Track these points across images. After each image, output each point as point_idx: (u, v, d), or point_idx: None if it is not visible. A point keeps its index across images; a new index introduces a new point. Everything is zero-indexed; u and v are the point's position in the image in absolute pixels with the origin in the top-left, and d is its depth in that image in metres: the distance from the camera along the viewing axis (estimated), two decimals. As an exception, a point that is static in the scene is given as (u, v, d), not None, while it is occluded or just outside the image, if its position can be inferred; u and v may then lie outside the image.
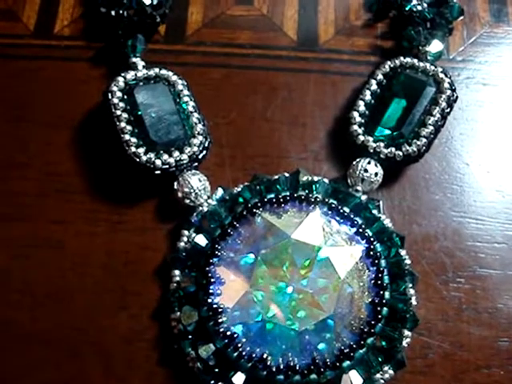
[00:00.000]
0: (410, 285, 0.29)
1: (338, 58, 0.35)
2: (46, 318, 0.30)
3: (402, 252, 0.30)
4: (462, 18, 0.35)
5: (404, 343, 0.29)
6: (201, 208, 0.30)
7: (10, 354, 0.29)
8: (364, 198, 0.31)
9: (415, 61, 0.32)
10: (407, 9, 0.34)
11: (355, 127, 0.31)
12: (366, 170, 0.30)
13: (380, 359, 0.28)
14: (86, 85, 0.34)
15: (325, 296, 0.28)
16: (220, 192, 0.31)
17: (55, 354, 0.29)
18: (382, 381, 0.28)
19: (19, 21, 0.35)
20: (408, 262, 0.30)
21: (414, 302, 0.29)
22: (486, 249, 0.31)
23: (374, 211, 0.30)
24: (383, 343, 0.28)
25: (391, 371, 0.28)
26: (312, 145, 0.33)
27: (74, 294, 0.30)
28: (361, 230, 0.29)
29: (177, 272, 0.29)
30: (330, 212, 0.29)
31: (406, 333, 0.29)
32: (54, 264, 0.30)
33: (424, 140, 0.30)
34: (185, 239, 0.30)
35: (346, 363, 0.27)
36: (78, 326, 0.30)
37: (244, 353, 0.27)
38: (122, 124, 0.30)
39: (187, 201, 0.30)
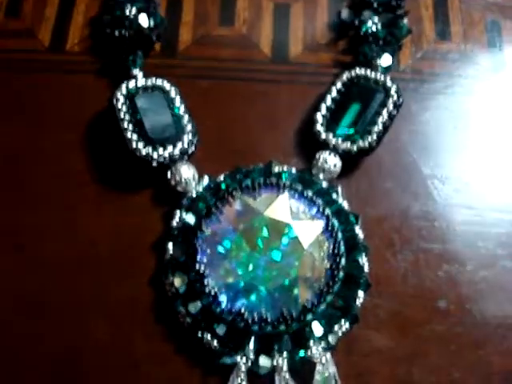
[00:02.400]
0: (363, 254, 0.35)
1: (305, 71, 0.41)
2: (58, 288, 0.35)
3: (357, 228, 0.36)
4: (410, 36, 0.42)
5: (358, 302, 0.34)
6: (190, 193, 0.36)
7: (25, 317, 0.34)
8: (325, 184, 0.37)
9: (368, 72, 0.38)
10: (363, 30, 0.40)
11: (318, 126, 0.37)
12: (326, 161, 0.36)
13: (338, 314, 0.34)
14: (94, 93, 0.39)
15: (291, 263, 0.33)
16: (206, 180, 0.36)
17: (67, 318, 0.34)
18: (340, 333, 0.34)
19: (36, 38, 0.40)
20: (361, 236, 0.35)
21: (366, 269, 0.35)
22: (428, 227, 0.37)
23: (334, 195, 0.36)
24: (340, 302, 0.34)
25: (347, 325, 0.34)
26: (283, 142, 0.38)
27: (83, 266, 0.35)
28: (321, 210, 0.35)
29: (170, 245, 0.35)
30: (296, 195, 0.35)
31: (360, 293, 0.34)
32: (65, 242, 0.36)
33: (374, 136, 0.36)
34: (177, 219, 0.35)
35: (309, 316, 0.33)
36: (86, 294, 0.34)
37: (225, 308, 0.33)
38: (125, 124, 0.36)
39: (179, 188, 0.36)
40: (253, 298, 0.33)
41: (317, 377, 0.32)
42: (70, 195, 0.37)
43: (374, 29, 0.40)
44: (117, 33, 0.39)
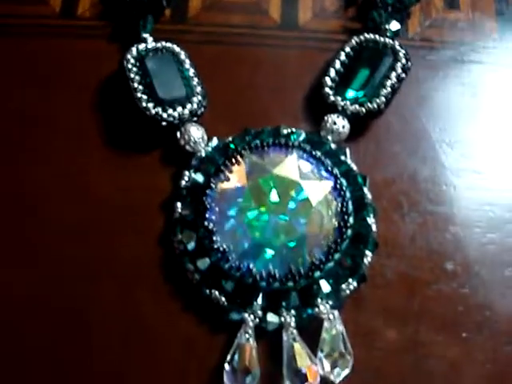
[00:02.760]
0: (371, 215, 0.35)
1: (314, 37, 0.41)
2: (66, 248, 0.35)
3: (365, 189, 0.36)
4: (418, 4, 0.42)
5: (366, 261, 0.34)
6: (199, 154, 0.36)
7: (32, 277, 0.34)
8: (333, 146, 0.37)
9: (377, 36, 0.39)
10: (372, -4, 0.41)
11: (327, 89, 0.37)
12: (335, 123, 0.37)
13: (345, 273, 0.34)
14: (104, 57, 0.39)
15: (299, 220, 0.33)
16: (215, 141, 0.37)
17: (76, 277, 0.34)
18: (348, 291, 0.34)
19: (47, 4, 0.41)
20: (369, 197, 0.36)
21: (374, 229, 0.35)
22: (436, 190, 0.37)
23: (342, 157, 0.37)
24: (348, 260, 0.34)
25: (355, 283, 0.34)
26: (292, 107, 0.39)
27: (92, 226, 0.35)
28: (330, 169, 0.35)
29: (179, 204, 0.35)
30: (305, 155, 0.35)
31: (368, 253, 0.34)
32: (75, 202, 0.36)
33: (383, 98, 0.37)
34: (186, 178, 0.36)
35: (317, 274, 0.33)
36: (95, 253, 0.35)
37: (233, 265, 0.33)
38: (135, 85, 0.36)
39: (188, 147, 0.36)
40: (261, 254, 0.33)
41: (324, 334, 0.32)
42: (81, 156, 0.37)
43: (382, -4, 0.40)
44: (127, -3, 0.39)
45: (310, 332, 0.33)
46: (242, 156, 0.35)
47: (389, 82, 0.37)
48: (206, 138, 0.36)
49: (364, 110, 0.36)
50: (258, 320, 0.33)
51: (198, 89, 0.37)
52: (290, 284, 0.33)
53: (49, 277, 0.35)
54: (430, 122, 0.39)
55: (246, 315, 0.33)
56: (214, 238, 0.33)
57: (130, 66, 0.37)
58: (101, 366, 0.33)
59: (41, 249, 0.35)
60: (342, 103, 0.37)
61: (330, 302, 0.33)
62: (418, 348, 0.34)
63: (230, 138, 0.37)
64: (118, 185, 0.37)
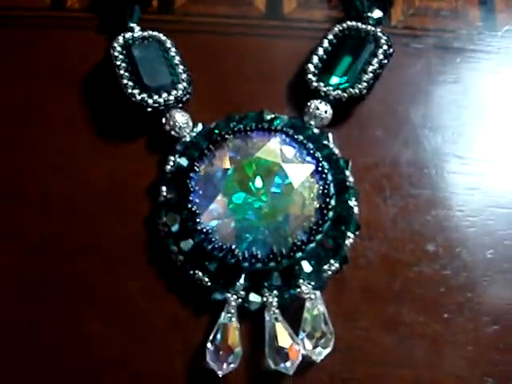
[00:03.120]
0: (353, 198, 0.36)
1: (299, 26, 0.41)
2: (54, 230, 0.36)
3: (347, 172, 0.36)
4: (402, -7, 0.42)
5: (347, 243, 0.35)
6: (184, 139, 0.37)
7: (24, 254, 0.35)
8: (316, 130, 0.37)
9: (359, 24, 0.39)
10: (355, -15, 0.41)
11: (310, 76, 0.38)
12: (317, 108, 0.37)
13: (327, 254, 0.34)
14: (93, 47, 0.40)
15: (281, 202, 0.34)
16: (200, 126, 0.37)
17: (63, 257, 0.35)
18: (330, 272, 0.34)
19: None
20: (351, 180, 0.36)
21: (356, 211, 0.36)
22: (418, 174, 0.37)
23: (325, 141, 0.37)
24: (330, 242, 0.35)
25: (337, 264, 0.35)
26: (276, 95, 0.39)
27: (80, 210, 0.36)
28: (312, 153, 0.35)
29: (164, 188, 0.36)
30: (287, 139, 0.35)
31: (349, 234, 0.35)
32: (63, 187, 0.37)
33: (365, 84, 0.37)
34: (171, 163, 0.36)
35: (299, 254, 0.33)
36: (83, 237, 0.36)
37: (216, 245, 0.33)
38: (121, 72, 0.37)
39: (173, 133, 0.37)
40: (243, 235, 0.34)
41: (306, 314, 0.33)
42: (69, 143, 0.38)
43: (365, -16, 0.41)
44: (115, -12, 0.40)
45: (292, 312, 0.34)
46: (225, 140, 0.36)
47: (370, 68, 0.37)
48: (190, 123, 0.37)
49: (346, 95, 0.37)
50: (240, 300, 0.33)
51: (184, 76, 0.37)
52: (272, 264, 0.33)
53: (34, 256, 0.35)
54: (412, 108, 0.39)
55: (229, 295, 0.33)
56: (198, 220, 0.34)
57: (116, 54, 0.37)
58: (86, 346, 0.34)
59: (26, 229, 0.36)
60: (325, 89, 0.37)
61: (312, 283, 0.34)
62: (399, 328, 0.34)
63: (215, 124, 0.37)
64: (105, 172, 0.37)
